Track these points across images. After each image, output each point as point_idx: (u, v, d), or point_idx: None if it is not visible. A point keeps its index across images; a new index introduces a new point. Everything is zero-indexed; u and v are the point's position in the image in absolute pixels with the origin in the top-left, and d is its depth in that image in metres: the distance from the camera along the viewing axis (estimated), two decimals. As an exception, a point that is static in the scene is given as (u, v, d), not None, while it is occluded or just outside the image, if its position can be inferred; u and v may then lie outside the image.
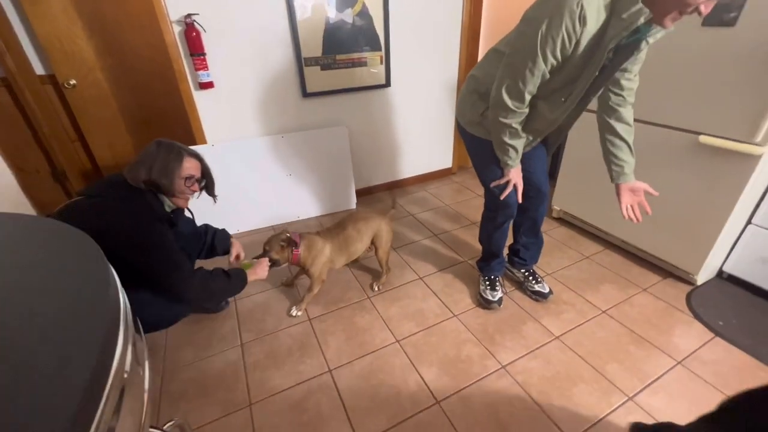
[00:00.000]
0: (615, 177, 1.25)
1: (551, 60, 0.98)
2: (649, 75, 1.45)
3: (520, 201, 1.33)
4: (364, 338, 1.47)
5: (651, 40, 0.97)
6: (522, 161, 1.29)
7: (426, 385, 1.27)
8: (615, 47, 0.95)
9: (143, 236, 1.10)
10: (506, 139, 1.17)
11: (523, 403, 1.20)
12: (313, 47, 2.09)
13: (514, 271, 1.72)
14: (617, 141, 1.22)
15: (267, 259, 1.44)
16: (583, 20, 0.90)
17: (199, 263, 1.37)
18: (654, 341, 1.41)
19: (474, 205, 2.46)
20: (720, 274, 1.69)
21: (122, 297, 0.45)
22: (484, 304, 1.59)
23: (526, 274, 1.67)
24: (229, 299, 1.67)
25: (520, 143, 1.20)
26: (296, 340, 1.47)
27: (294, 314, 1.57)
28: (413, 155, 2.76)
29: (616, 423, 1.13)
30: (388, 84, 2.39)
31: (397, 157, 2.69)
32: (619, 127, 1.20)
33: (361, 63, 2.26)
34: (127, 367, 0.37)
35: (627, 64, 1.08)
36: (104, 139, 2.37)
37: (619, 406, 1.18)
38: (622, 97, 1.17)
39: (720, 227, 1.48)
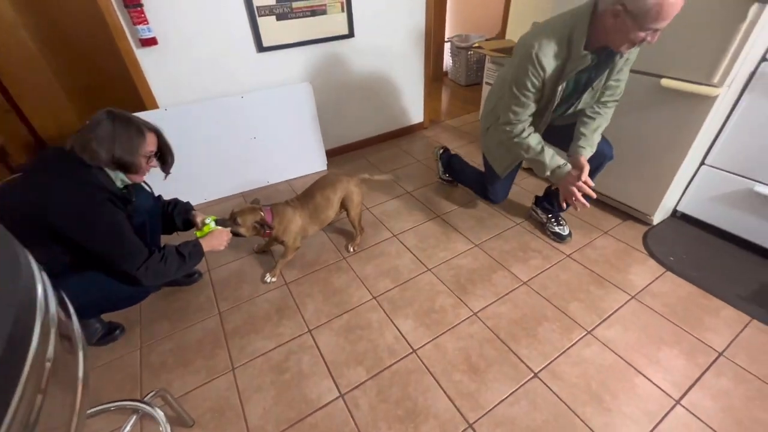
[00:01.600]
0: (571, 153, 1.39)
1: (529, 95, 1.25)
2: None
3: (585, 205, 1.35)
4: (342, 297, 1.50)
5: (628, 59, 1.26)
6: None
7: (403, 336, 1.33)
8: (595, 65, 1.20)
9: (91, 218, 1.03)
10: (527, 156, 1.36)
11: (493, 344, 1.29)
12: (265, -6, 1.90)
13: (539, 212, 1.82)
14: (589, 129, 1.37)
15: (228, 230, 1.37)
16: (541, 67, 1.18)
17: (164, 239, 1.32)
18: (612, 279, 1.51)
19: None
20: (674, 213, 1.80)
21: (41, 281, 0.42)
22: (557, 239, 1.72)
23: (551, 216, 1.76)
24: (202, 272, 1.65)
25: (538, 154, 1.33)
26: (274, 305, 1.49)
27: (268, 281, 1.58)
28: (383, 111, 2.67)
29: (576, 354, 1.24)
30: (351, 34, 2.24)
31: (366, 113, 2.60)
32: (595, 122, 1.37)
33: (321, 11, 2.09)
34: (50, 355, 0.36)
35: (615, 68, 1.27)
36: (44, 108, 2.16)
37: (579, 339, 1.29)
38: (611, 92, 1.35)
39: (676, 169, 1.55)
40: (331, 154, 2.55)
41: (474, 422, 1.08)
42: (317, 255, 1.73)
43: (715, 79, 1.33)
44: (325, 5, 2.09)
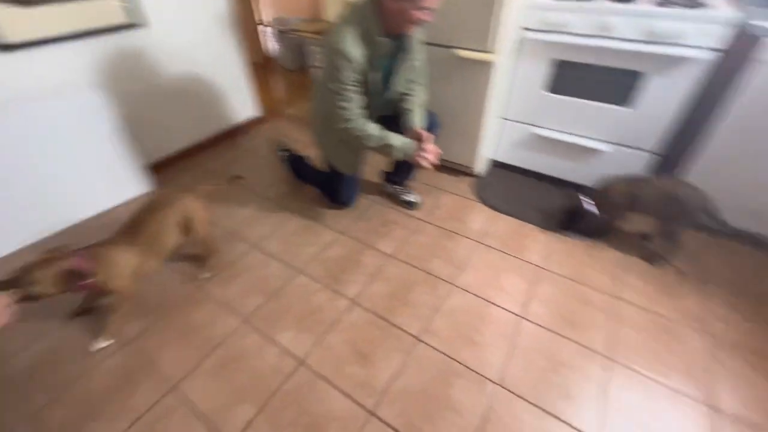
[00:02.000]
0: (404, 125, 1.49)
1: (351, 88, 1.30)
2: None
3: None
4: (206, 333, 1.30)
5: (415, 35, 1.38)
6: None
7: (285, 350, 1.25)
8: (396, 51, 1.35)
9: None
10: (373, 145, 1.39)
11: (375, 324, 1.32)
12: (-20, -27, 1.38)
13: (389, 185, 1.90)
14: (412, 104, 1.51)
15: (6, 297, 0.91)
16: (352, 59, 1.24)
17: None
18: (458, 231, 1.73)
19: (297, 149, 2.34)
20: (492, 163, 2.15)
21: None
22: (409, 207, 1.85)
23: (400, 188, 1.88)
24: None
25: (382, 139, 1.38)
26: (117, 374, 1.19)
27: (102, 345, 1.25)
28: (210, 110, 2.36)
29: (445, 307, 1.38)
30: (141, 23, 1.86)
31: (190, 115, 2.25)
32: (415, 98, 1.52)
33: (87, -6, 1.65)
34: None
35: (413, 54, 1.42)
36: None
37: (445, 293, 1.44)
38: (417, 72, 1.51)
39: (480, 125, 1.83)
40: (158, 170, 2.14)
41: (373, 408, 1.10)
42: (164, 293, 1.45)
43: (490, 46, 1.59)
44: (90, -13, 1.65)
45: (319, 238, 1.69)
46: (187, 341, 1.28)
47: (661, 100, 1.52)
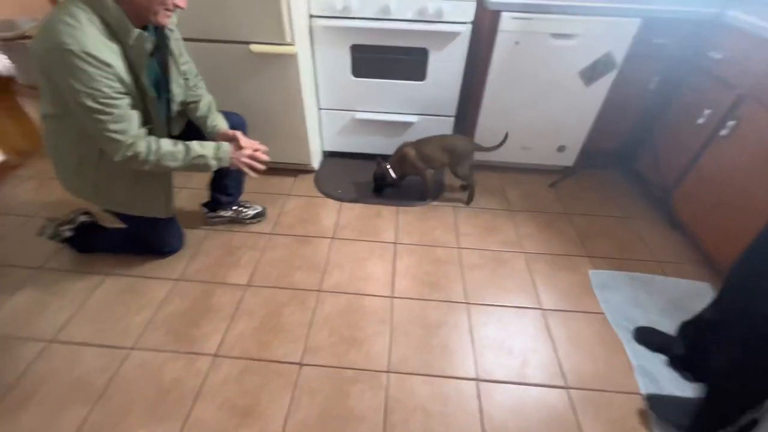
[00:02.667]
0: (213, 132, 1.31)
1: (119, 101, 0.99)
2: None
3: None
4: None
5: (172, 25, 1.14)
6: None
7: (141, 457, 0.97)
8: (156, 46, 1.08)
9: None
10: (178, 164, 1.13)
11: (250, 371, 1.16)
12: None
13: (221, 213, 1.64)
14: (206, 110, 1.32)
15: None
16: (104, 63, 0.92)
17: None
18: (312, 233, 1.66)
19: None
20: (324, 154, 2.13)
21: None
22: (259, 218, 1.68)
23: (236, 207, 1.65)
24: None
25: (187, 152, 1.14)
26: None
27: None
28: None
29: (319, 318, 1.32)
30: None
31: None
32: (205, 100, 1.33)
33: None
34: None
35: (175, 51, 1.17)
36: None
37: (316, 303, 1.37)
38: (191, 79, 1.30)
39: (303, 119, 1.76)
40: None
41: (274, 463, 0.97)
42: None
43: (287, 38, 1.50)
44: None
45: (149, 297, 1.36)
46: None
47: (445, 71, 1.75)
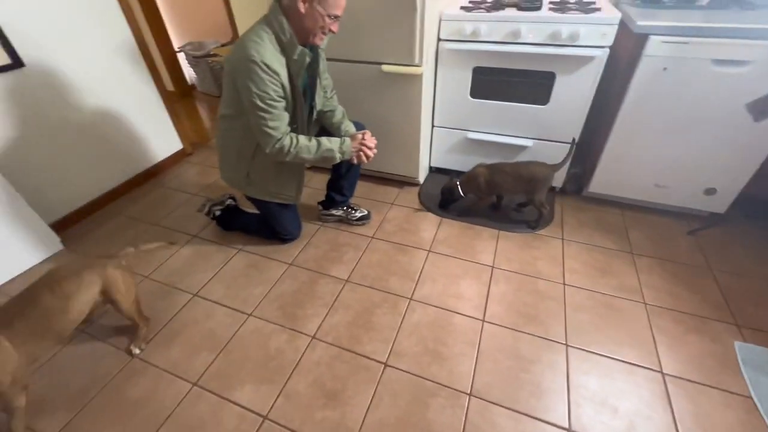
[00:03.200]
0: (345, 133, 1.50)
1: (279, 104, 1.22)
2: (345, 21, 1.51)
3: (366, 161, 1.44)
4: (149, 409, 1.14)
5: (324, 46, 1.35)
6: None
7: (246, 408, 1.13)
8: (309, 64, 1.28)
9: None
10: (311, 156, 1.32)
11: (340, 358, 1.26)
12: None
13: (333, 211, 1.83)
14: (340, 117, 1.54)
15: None
16: (273, 71, 1.17)
17: None
18: (410, 243, 1.72)
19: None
20: (431, 170, 2.20)
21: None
22: (364, 221, 1.82)
23: (346, 208, 1.81)
24: None
25: (319, 146, 1.33)
26: (39, 485, 0.99)
27: None
28: (122, 149, 2.12)
29: (408, 325, 1.36)
30: (18, 64, 1.61)
31: (98, 158, 2.00)
32: (339, 110, 1.55)
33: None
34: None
35: (321, 67, 1.40)
36: None
37: (406, 310, 1.41)
38: (329, 92, 1.53)
39: (418, 135, 1.86)
40: (66, 225, 1.87)
41: (351, 450, 1.03)
42: (90, 372, 1.24)
43: (416, 60, 1.62)
44: (-58, 28, 1.39)
45: (268, 275, 1.58)
46: (126, 424, 1.11)
47: (572, 96, 1.66)
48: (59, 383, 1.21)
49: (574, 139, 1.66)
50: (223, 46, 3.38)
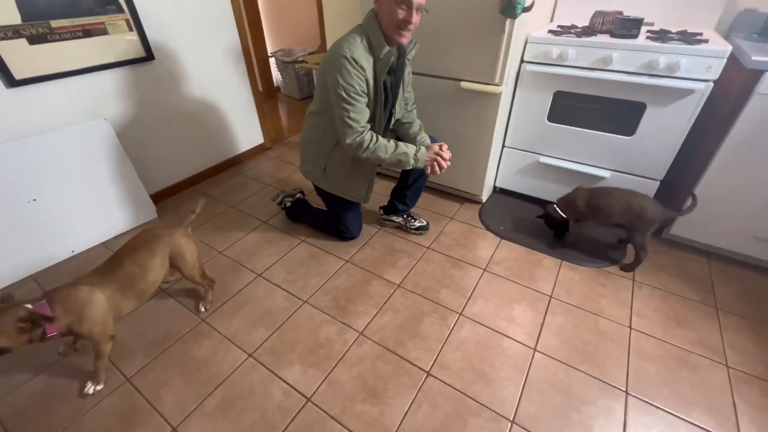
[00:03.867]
0: (421, 144, 1.52)
1: (361, 98, 1.30)
2: (424, 37, 1.63)
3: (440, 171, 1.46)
4: (209, 370, 1.26)
5: (410, 56, 1.41)
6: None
7: (292, 387, 1.20)
8: (390, 70, 1.36)
9: None
10: (387, 156, 1.37)
11: (385, 359, 1.28)
12: (0, 13, 1.42)
13: (393, 218, 1.89)
14: (417, 129, 1.60)
15: None
16: (360, 67, 1.26)
17: None
18: (465, 259, 1.71)
19: (298, 178, 2.36)
20: (495, 189, 2.17)
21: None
22: (422, 231, 1.86)
23: (406, 216, 1.87)
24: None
25: (396, 148, 1.38)
26: (114, 415, 1.13)
27: (92, 392, 1.18)
28: (216, 138, 2.39)
29: (455, 339, 1.35)
30: (150, 57, 1.90)
31: (196, 144, 2.27)
32: (416, 123, 1.61)
33: (98, 30, 1.70)
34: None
35: (405, 78, 1.47)
36: None
37: (455, 324, 1.40)
38: (409, 105, 1.62)
39: (488, 153, 1.85)
40: (161, 197, 2.15)
41: (385, 449, 1.05)
42: (165, 327, 1.41)
43: (497, 79, 1.63)
44: (102, 24, 1.70)
45: (325, 268, 1.67)
46: (189, 379, 1.23)
47: (661, 129, 1.55)
48: (140, 332, 1.38)
49: (694, 194, 1.51)
50: (310, 54, 3.66)
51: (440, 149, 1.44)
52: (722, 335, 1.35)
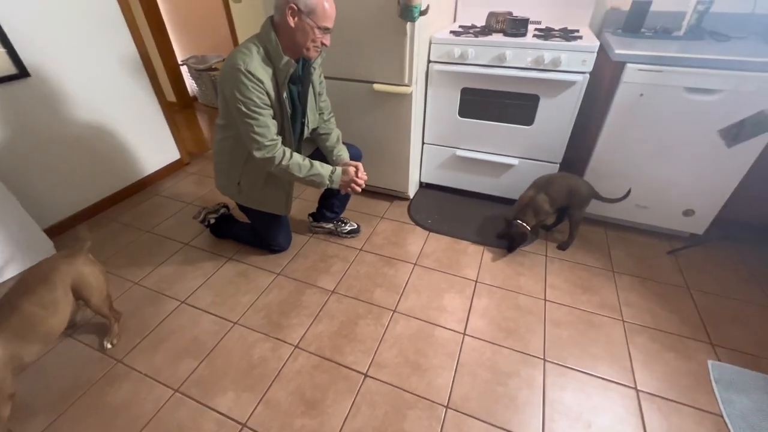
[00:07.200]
0: (337, 161, 1.54)
1: (264, 110, 1.26)
2: (335, 42, 1.58)
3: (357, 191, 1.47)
4: (129, 414, 1.15)
5: (315, 64, 1.41)
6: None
7: (225, 415, 1.15)
8: (294, 79, 1.34)
9: None
10: (300, 175, 1.35)
11: (322, 368, 1.28)
12: None
13: (323, 224, 1.87)
14: (334, 141, 1.58)
15: None
16: (257, 79, 1.21)
17: None
18: (396, 256, 1.76)
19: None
20: (421, 185, 2.25)
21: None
22: (354, 234, 1.87)
23: (336, 221, 1.86)
24: None
25: (311, 168, 1.36)
26: (15, 487, 1.00)
27: None
28: (120, 157, 2.17)
29: (390, 336, 1.38)
30: (24, 73, 1.67)
31: (96, 165, 2.04)
32: (334, 134, 1.59)
33: (-53, 47, 1.45)
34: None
35: (316, 86, 1.46)
36: None
37: (389, 321, 1.44)
38: (325, 114, 1.58)
39: (408, 152, 1.91)
40: (60, 230, 1.91)
41: (326, 459, 1.05)
42: (73, 376, 1.26)
43: (406, 80, 1.69)
44: (-48, 38, 1.46)
45: (255, 284, 1.61)
46: (107, 428, 1.12)
47: (555, 118, 1.72)
48: (41, 386, 1.23)
49: (629, 189, 1.66)
50: (224, 60, 3.47)
51: (356, 174, 1.44)
52: (618, 294, 1.55)
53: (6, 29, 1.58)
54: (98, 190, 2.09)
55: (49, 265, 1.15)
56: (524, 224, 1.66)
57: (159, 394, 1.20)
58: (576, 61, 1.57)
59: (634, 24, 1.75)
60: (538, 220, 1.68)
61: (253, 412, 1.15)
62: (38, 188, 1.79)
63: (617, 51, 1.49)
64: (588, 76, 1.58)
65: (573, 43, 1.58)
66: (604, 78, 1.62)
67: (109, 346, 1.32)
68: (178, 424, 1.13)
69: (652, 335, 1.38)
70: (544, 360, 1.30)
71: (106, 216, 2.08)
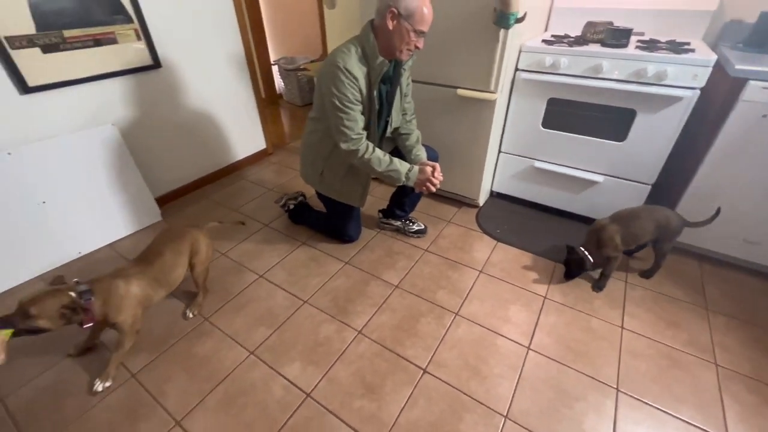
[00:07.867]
0: (415, 161, 1.57)
1: (355, 107, 1.34)
2: (428, 46, 1.65)
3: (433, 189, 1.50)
4: (212, 367, 1.29)
5: (406, 66, 1.46)
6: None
7: (292, 383, 1.24)
8: (384, 79, 1.41)
9: None
10: (380, 169, 1.42)
11: (382, 356, 1.32)
12: (16, 22, 1.48)
13: (391, 221, 1.93)
14: (414, 142, 1.62)
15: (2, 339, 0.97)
16: (353, 76, 1.30)
17: None
18: (462, 261, 1.75)
19: (299, 183, 2.41)
20: (492, 194, 2.22)
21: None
22: (420, 234, 1.90)
23: (405, 220, 1.91)
24: None
25: (390, 164, 1.43)
26: (119, 410, 1.17)
27: (100, 389, 1.21)
28: (219, 143, 2.44)
29: (451, 338, 1.38)
30: (157, 65, 1.97)
31: (199, 148, 2.33)
32: (414, 135, 1.64)
33: (108, 40, 1.76)
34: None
35: (403, 87, 1.52)
36: None
37: (451, 323, 1.44)
38: (408, 115, 1.64)
39: (483, 159, 1.90)
40: (165, 201, 2.20)
41: (382, 442, 1.08)
42: (169, 326, 1.44)
43: (492, 87, 1.69)
44: (113, 33, 1.77)
45: (325, 268, 1.71)
46: (192, 375, 1.27)
47: (651, 135, 1.60)
48: (146, 330, 1.42)
49: (719, 209, 1.49)
50: (312, 62, 3.74)
51: (433, 174, 1.48)
52: (712, 335, 1.38)
53: (149, 27, 1.87)
54: (197, 170, 2.37)
55: (181, 229, 1.40)
56: (585, 251, 1.55)
57: (237, 353, 1.34)
58: (686, 76, 1.45)
59: (760, 38, 1.57)
60: (604, 252, 1.52)
61: (317, 384, 1.23)
62: (153, 163, 2.09)
63: (738, 66, 1.35)
64: (698, 92, 1.45)
65: (683, 56, 1.46)
66: (717, 96, 1.47)
67: (191, 315, 1.48)
68: (252, 383, 1.24)
69: (751, 386, 1.22)
70: (617, 390, 1.21)
71: (199, 194, 2.34)
